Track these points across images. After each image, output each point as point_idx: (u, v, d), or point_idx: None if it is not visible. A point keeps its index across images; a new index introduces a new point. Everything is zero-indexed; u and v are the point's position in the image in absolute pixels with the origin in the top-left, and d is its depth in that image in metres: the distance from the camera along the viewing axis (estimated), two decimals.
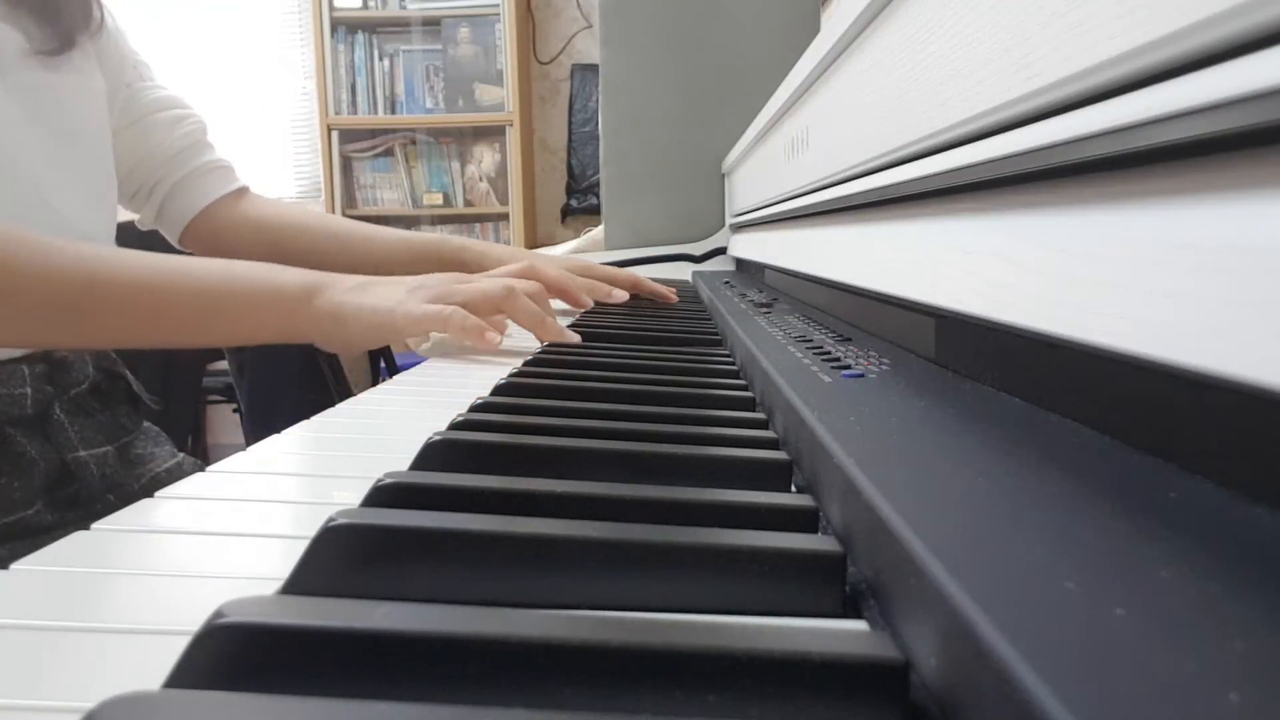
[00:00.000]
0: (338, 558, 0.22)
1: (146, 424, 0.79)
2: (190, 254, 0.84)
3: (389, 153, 3.06)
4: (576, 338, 0.66)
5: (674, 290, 0.98)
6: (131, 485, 0.71)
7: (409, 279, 0.64)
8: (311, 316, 0.60)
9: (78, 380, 0.69)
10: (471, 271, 0.73)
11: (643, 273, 1.00)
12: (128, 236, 0.75)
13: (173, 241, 0.86)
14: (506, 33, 2.86)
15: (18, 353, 0.65)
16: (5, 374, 0.64)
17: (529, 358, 0.57)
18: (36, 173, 0.66)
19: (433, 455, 0.32)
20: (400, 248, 0.88)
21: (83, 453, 0.68)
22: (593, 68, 2.82)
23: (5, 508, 0.62)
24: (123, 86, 0.79)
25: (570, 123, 3.07)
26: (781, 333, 0.54)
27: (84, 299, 0.56)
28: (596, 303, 0.87)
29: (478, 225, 3.08)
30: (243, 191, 0.88)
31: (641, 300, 0.94)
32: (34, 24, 0.67)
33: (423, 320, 0.61)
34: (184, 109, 0.84)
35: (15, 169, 0.64)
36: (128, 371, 0.76)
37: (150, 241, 0.74)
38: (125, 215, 0.82)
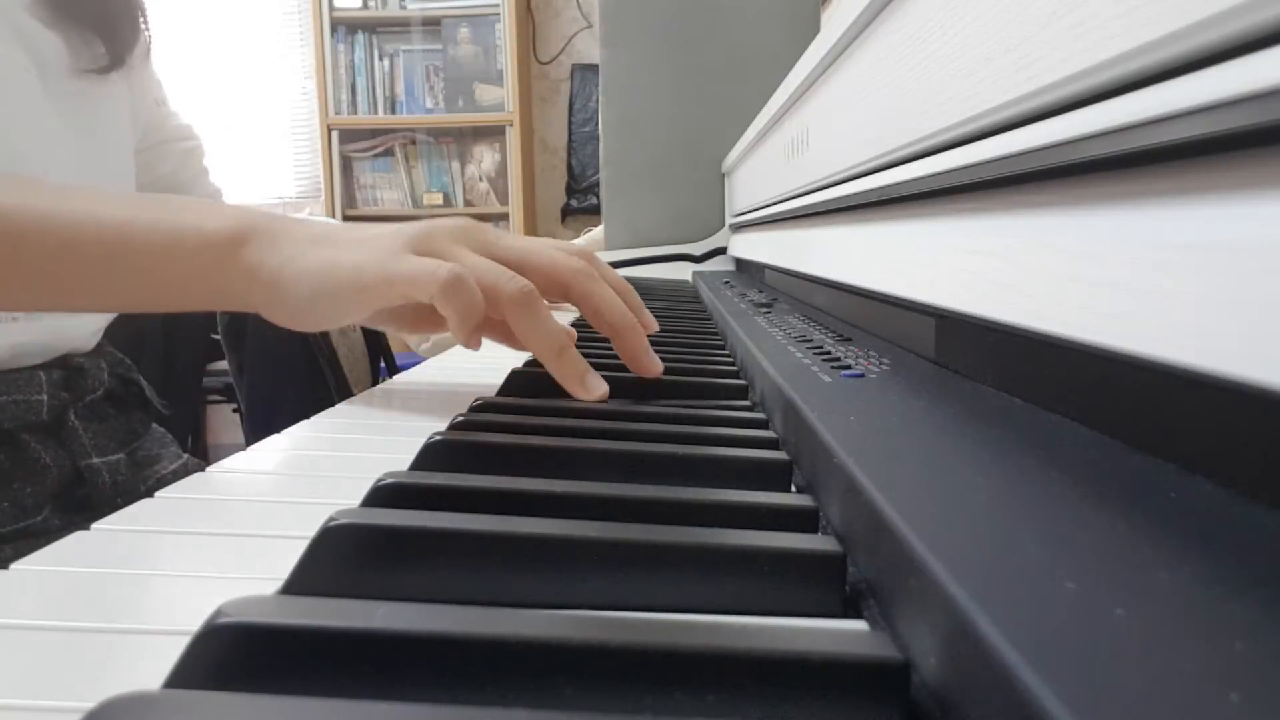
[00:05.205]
0: (337, 558, 0.22)
1: (154, 426, 0.79)
2: None
3: (389, 153, 3.07)
4: (603, 390, 0.43)
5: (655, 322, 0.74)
6: (139, 488, 0.71)
7: (405, 226, 0.44)
8: (241, 273, 0.43)
9: (93, 387, 0.70)
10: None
11: (643, 273, 1.00)
12: None
13: None
14: (506, 33, 2.86)
15: (35, 359, 0.66)
16: (22, 380, 0.64)
17: (530, 357, 0.57)
18: (68, 179, 0.66)
19: (432, 455, 0.32)
20: None
21: (96, 460, 0.67)
22: (593, 68, 2.82)
23: (16, 514, 0.62)
24: (150, 104, 0.82)
25: (570, 123, 3.07)
26: (781, 333, 0.54)
27: None
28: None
29: None
30: None
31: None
32: (83, 40, 0.68)
33: (400, 280, 0.41)
34: (195, 139, 0.90)
35: (48, 174, 0.64)
36: (140, 376, 0.76)
37: None
38: None
